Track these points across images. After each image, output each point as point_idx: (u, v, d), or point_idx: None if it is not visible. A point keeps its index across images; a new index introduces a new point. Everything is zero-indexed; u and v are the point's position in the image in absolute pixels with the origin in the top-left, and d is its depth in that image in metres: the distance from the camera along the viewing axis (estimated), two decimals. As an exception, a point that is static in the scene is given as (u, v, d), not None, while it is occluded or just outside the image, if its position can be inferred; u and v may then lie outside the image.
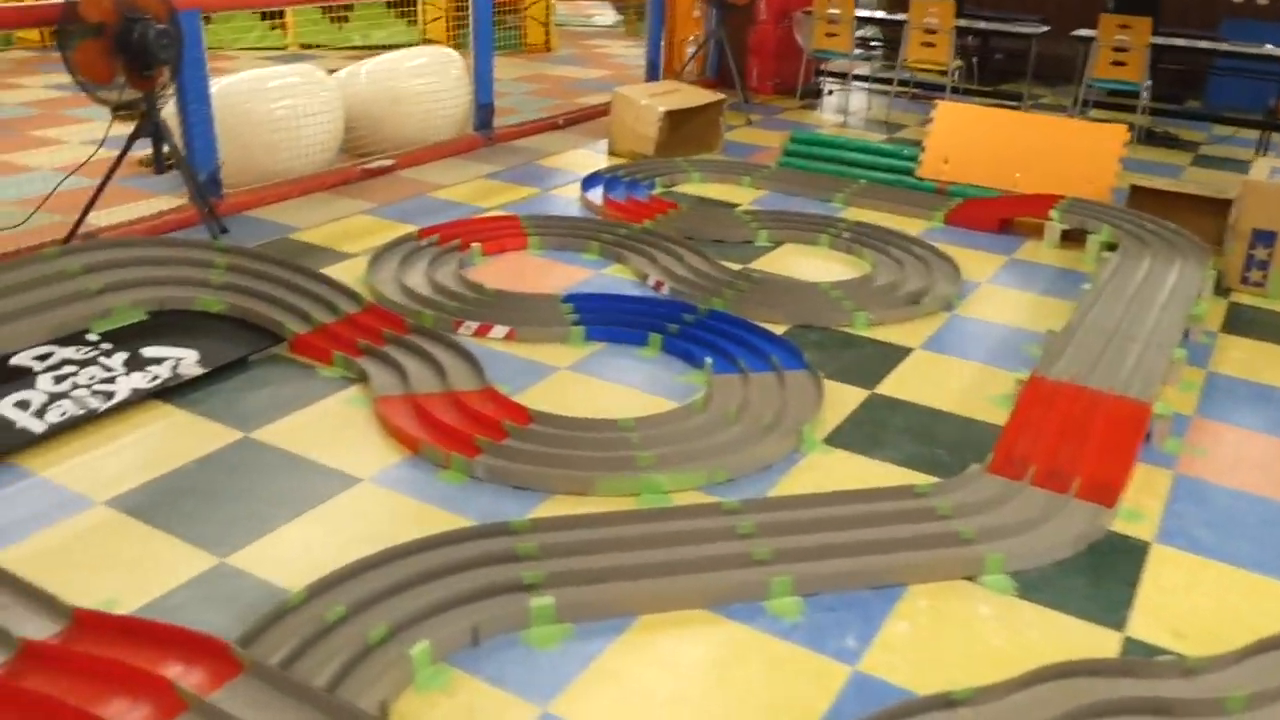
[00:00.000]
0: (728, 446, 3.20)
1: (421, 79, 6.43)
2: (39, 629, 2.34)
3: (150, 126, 4.41)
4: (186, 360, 3.56)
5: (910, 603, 2.58)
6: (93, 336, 3.59)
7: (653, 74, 8.54)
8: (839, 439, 3.36)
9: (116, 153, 4.64)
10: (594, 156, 6.83)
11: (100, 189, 4.42)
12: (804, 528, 2.78)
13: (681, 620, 2.48)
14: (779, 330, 4.14)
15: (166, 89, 4.50)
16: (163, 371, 3.48)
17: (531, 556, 2.61)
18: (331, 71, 6.20)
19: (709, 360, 3.75)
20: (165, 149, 4.58)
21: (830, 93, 9.31)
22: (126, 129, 4.68)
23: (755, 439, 3.25)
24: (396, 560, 2.58)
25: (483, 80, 6.81)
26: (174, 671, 2.10)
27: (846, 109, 8.65)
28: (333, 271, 4.44)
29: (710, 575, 2.58)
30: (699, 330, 4.02)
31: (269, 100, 5.59)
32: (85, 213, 4.42)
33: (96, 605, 2.44)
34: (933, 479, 3.13)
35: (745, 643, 2.41)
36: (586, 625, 2.45)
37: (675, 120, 6.75)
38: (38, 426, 3.13)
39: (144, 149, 4.74)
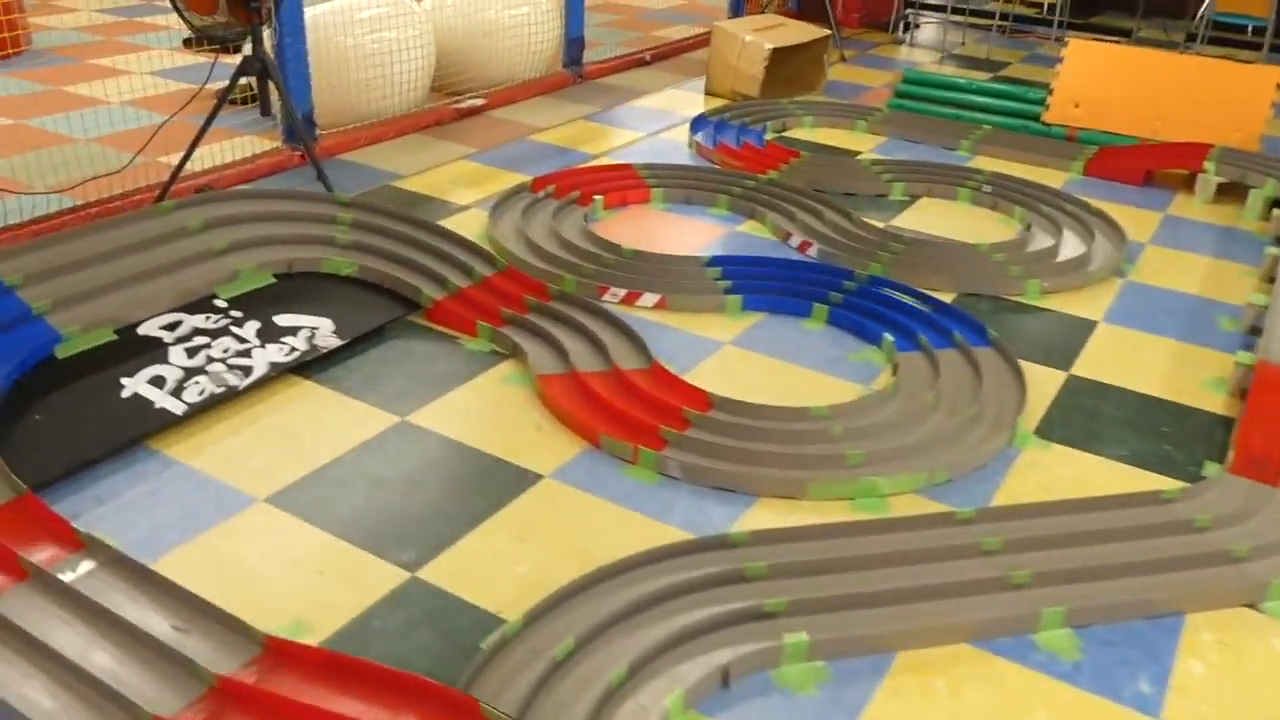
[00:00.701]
0: (935, 441, 2.88)
1: (513, 10, 6.00)
2: (223, 660, 2.06)
3: (256, 63, 4.03)
4: (322, 330, 3.25)
5: (1194, 636, 2.28)
6: (221, 302, 3.27)
7: (736, 7, 8.05)
8: (1051, 431, 3.04)
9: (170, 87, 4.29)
10: (691, 97, 6.41)
11: (202, 132, 4.06)
12: (1055, 543, 2.47)
13: (945, 659, 2.18)
14: (946, 299, 3.79)
15: (270, 21, 4.11)
16: (299, 343, 3.17)
17: (761, 577, 2.32)
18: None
19: (888, 337, 3.42)
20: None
21: (917, 26, 8.79)
22: (198, 60, 4.33)
23: (963, 432, 2.94)
24: (611, 579, 2.29)
25: (574, 11, 6.37)
26: (412, 730, 1.82)
27: (944, 45, 8.16)
28: (449, 225, 4.09)
29: (969, 603, 2.28)
30: (862, 299, 3.68)
31: (360, 33, 5.19)
32: (186, 158, 4.07)
33: (284, 629, 2.17)
34: (1172, 481, 2.81)
35: (1025, 688, 2.12)
36: (840, 663, 2.16)
37: (776, 58, 6.31)
38: (177, 407, 2.83)
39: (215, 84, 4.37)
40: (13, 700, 1.97)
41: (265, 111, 4.17)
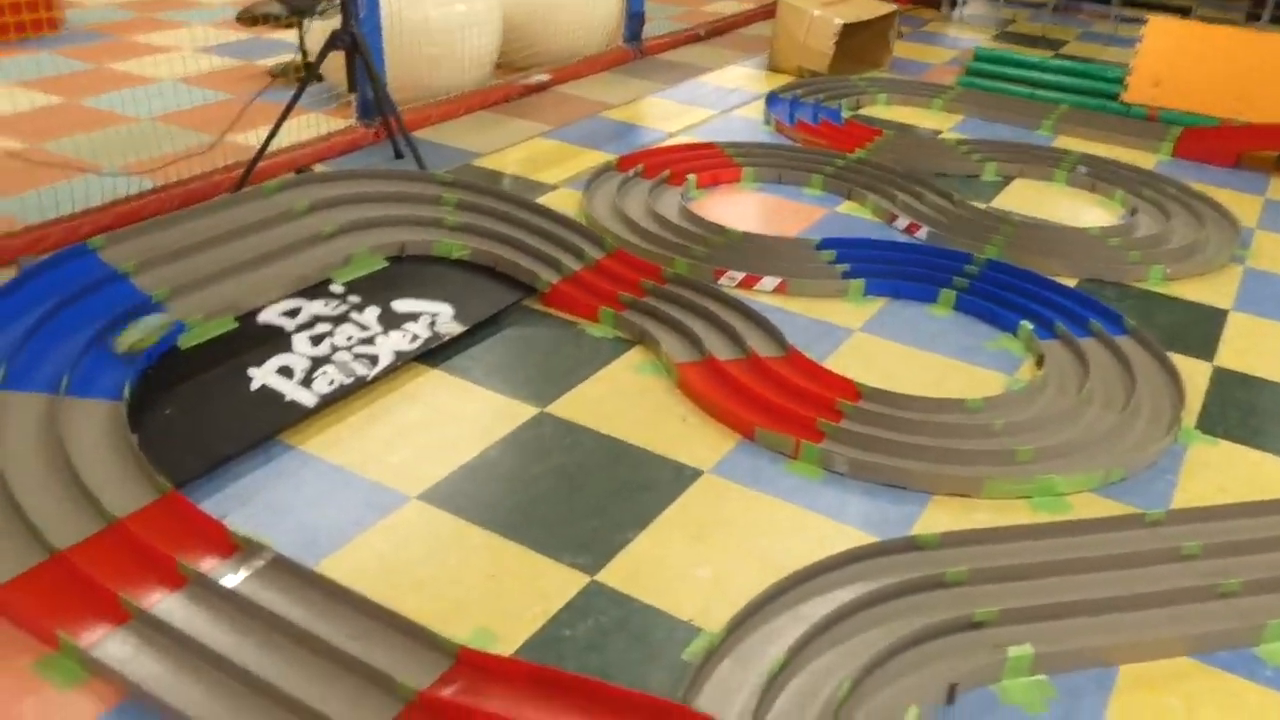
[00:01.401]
0: (1100, 436, 2.76)
1: (578, -17, 5.83)
2: (414, 673, 1.93)
3: (346, 36, 3.86)
4: (442, 316, 3.11)
5: None
6: (337, 288, 3.13)
7: (786, -20, 7.84)
8: (1213, 426, 2.92)
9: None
10: (755, 73, 6.25)
11: (288, 110, 3.90)
12: (1255, 548, 2.35)
13: (1170, 674, 2.06)
14: (1069, 284, 3.66)
15: (358, -5, 3.94)
16: (421, 330, 3.02)
17: (962, 582, 2.19)
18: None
19: (1028, 325, 3.29)
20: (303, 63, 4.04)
21: (965, 2, 8.61)
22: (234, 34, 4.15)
23: (1124, 427, 2.81)
24: (804, 585, 2.17)
25: (637, -15, 6.20)
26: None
27: (997, 22, 8.00)
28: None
29: (1184, 612, 2.16)
30: (986, 285, 3.55)
31: (431, 7, 5.01)
32: (271, 136, 3.91)
33: (469, 638, 2.04)
34: (1351, 479, 2.70)
35: (1262, 706, 2.00)
36: (1062, 678, 2.04)
37: (842, 34, 6.14)
38: (309, 399, 2.69)
39: (268, 60, 4.18)
40: (196, 714, 1.84)
41: (353, 87, 4.00)
